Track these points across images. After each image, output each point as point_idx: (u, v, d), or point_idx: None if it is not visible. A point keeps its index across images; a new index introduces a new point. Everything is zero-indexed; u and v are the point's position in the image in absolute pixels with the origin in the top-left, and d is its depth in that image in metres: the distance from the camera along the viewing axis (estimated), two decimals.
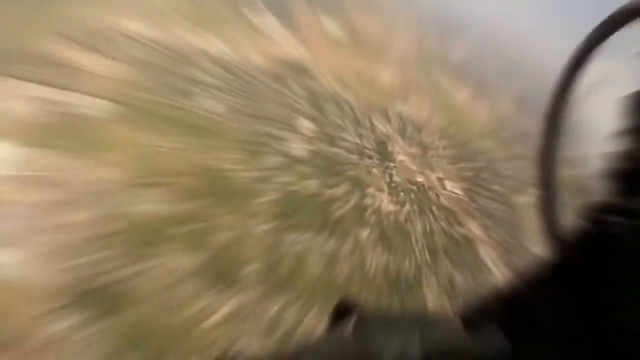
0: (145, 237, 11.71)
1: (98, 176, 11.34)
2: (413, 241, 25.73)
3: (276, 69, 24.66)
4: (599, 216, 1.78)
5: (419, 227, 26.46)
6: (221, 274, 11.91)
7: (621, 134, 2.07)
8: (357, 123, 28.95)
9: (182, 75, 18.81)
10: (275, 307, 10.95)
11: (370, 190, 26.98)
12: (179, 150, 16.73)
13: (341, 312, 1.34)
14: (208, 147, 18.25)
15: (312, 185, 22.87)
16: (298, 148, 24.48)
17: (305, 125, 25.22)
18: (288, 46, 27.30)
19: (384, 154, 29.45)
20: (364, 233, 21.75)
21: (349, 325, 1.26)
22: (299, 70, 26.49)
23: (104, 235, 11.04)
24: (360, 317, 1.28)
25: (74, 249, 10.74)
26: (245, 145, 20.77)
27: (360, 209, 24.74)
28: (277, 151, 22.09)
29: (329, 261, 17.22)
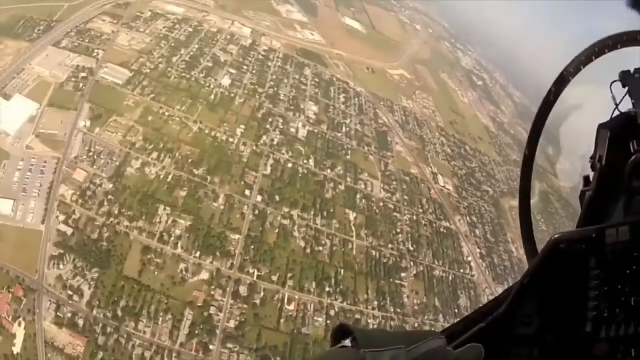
0: (140, 197, 32.93)
1: (105, 137, 32.48)
2: (398, 229, 53.46)
3: (291, 54, 59.96)
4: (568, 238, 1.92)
5: (406, 217, 54.85)
6: (207, 239, 33.56)
7: (593, 160, 2.31)
8: (361, 111, 62.94)
9: (204, 53, 53.26)
10: (252, 277, 31.78)
11: (364, 175, 56.99)
12: (185, 119, 43.59)
13: (340, 334, 1.51)
14: (213, 119, 46.43)
15: (308, 164, 51.55)
16: (300, 128, 55.33)
17: (311, 107, 58.42)
18: (306, 35, 61.70)
19: (383, 143, 61.02)
20: (352, 216, 50.05)
21: (347, 343, 1.45)
22: (314, 57, 62.48)
23: (102, 193, 28.86)
24: (358, 337, 1.44)
25: (76, 203, 29.11)
26: (249, 121, 50.79)
27: (352, 193, 52.92)
28: (279, 129, 52.44)
29: (314, 238, 40.31)
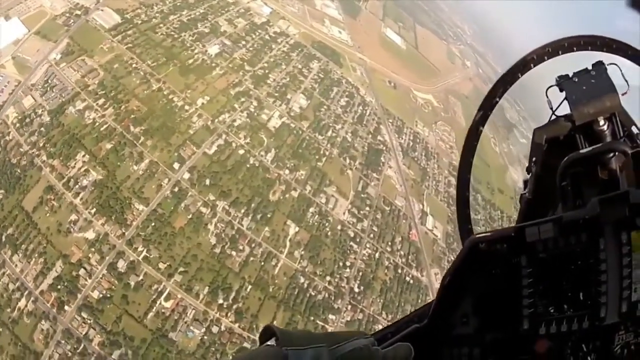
0: (67, 138, 44.14)
1: (67, 74, 48.19)
2: (348, 263, 49.13)
3: (305, 43, 69.33)
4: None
5: (366, 252, 51.07)
6: (108, 200, 41.67)
7: (530, 164, 2.44)
8: (361, 122, 65.62)
9: (206, 19, 62.13)
10: (137, 256, 39.77)
11: (331, 189, 53.57)
12: (150, 75, 52.47)
13: (267, 335, 1.49)
14: (179, 83, 53.87)
15: (263, 157, 51.67)
16: (273, 118, 56.78)
17: (298, 100, 61.35)
18: (333, 31, 75.87)
19: (372, 162, 59.01)
20: (292, 229, 48.39)
21: (271, 343, 1.44)
22: (329, 53, 72.07)
23: (37, 123, 43.15)
24: (281, 338, 1.44)
25: (14, 126, 43.25)
26: (218, 95, 54.37)
27: (304, 204, 50.02)
28: (248, 112, 54.86)
29: (231, 239, 43.91)
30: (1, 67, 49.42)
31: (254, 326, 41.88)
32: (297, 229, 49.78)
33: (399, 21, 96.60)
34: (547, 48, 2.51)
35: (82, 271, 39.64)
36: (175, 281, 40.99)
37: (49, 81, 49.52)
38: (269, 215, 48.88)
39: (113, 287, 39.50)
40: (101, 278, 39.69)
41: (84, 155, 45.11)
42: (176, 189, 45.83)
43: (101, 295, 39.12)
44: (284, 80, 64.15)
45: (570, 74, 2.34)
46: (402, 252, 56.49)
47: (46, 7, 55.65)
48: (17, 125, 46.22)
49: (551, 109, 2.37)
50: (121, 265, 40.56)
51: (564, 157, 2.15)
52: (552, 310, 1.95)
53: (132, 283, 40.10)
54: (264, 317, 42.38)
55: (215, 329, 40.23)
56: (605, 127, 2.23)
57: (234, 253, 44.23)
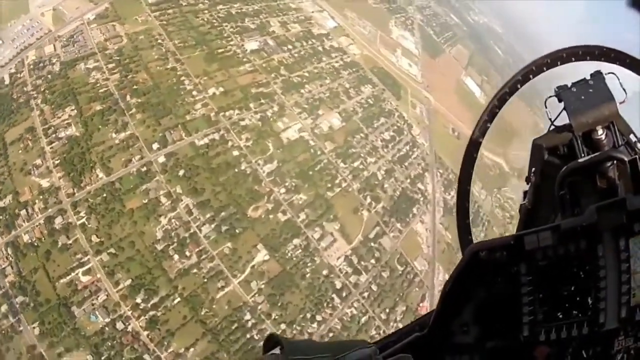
0: (64, 90, 44.72)
1: (93, 34, 49.21)
2: (319, 317, 40.50)
3: (364, 67, 64.55)
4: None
5: (350, 311, 41.87)
6: (72, 158, 40.50)
7: (529, 174, 2.44)
8: (401, 163, 57.87)
9: (257, 15, 59.66)
10: (70, 222, 38.14)
11: (332, 226, 46.07)
12: (171, 54, 49.25)
13: (271, 344, 1.53)
14: (198, 67, 49.26)
15: (259, 167, 45.20)
16: (291, 129, 50.95)
17: (331, 120, 55.31)
18: (402, 62, 71.31)
19: (399, 210, 51.28)
20: (260, 255, 40.07)
21: (275, 353, 1.48)
22: (389, 82, 65.98)
23: (47, 70, 46.27)
24: (285, 347, 1.48)
25: (27, 67, 46.67)
26: (236, 90, 49.68)
27: (289, 231, 42.77)
28: (262, 116, 48.96)
29: (180, 242, 38.48)
30: (41, 14, 51.42)
31: (165, 343, 35.30)
32: (267, 257, 40.51)
33: (484, 74, 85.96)
34: (546, 59, 2.54)
35: (23, 212, 39.27)
36: (101, 260, 37.69)
37: (74, 37, 50.11)
38: (237, 231, 41.36)
39: (42, 239, 38.11)
40: (36, 226, 38.81)
41: (72, 109, 44.50)
42: (144, 169, 41.98)
43: (29, 241, 38.20)
44: (322, 95, 56.96)
45: (569, 84, 2.35)
46: (399, 326, 43.96)
47: None
48: (31, 66, 47.84)
49: (550, 119, 2.39)
50: (58, 222, 38.96)
51: (563, 167, 2.16)
52: (551, 317, 1.97)
53: (60, 243, 38.08)
54: (180, 338, 35.44)
55: (120, 326, 35.88)
56: (603, 136, 2.23)
57: (176, 257, 38.89)
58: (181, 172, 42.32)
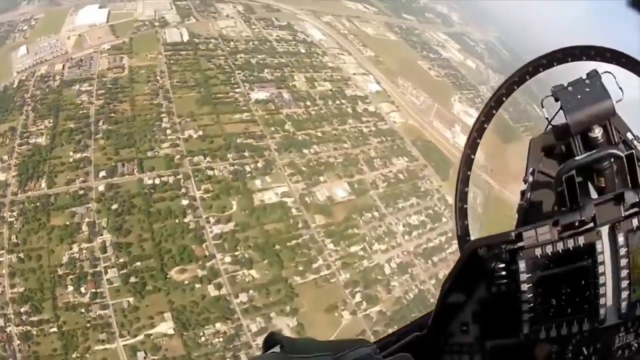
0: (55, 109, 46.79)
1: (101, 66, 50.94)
2: None
3: (404, 138, 53.85)
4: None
5: None
6: (27, 173, 42.45)
7: (526, 174, 2.45)
8: (429, 257, 44.72)
9: (280, 69, 54.52)
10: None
11: (285, 322, 33.51)
12: (165, 91, 48.42)
13: (270, 342, 1.53)
14: (186, 109, 46.59)
15: (213, 227, 38.13)
16: (273, 191, 41.75)
17: (333, 189, 44.25)
18: (458, 141, 53.87)
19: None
20: (164, 326, 32.99)
21: (275, 351, 1.48)
22: (436, 161, 52.78)
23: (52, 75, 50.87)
24: (286, 345, 1.48)
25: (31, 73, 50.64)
26: (220, 137, 44.50)
27: (218, 312, 34.23)
28: (239, 169, 42.66)
29: (80, 275, 35.78)
30: (67, 37, 54.82)
31: None
32: (171, 331, 31.56)
33: None
34: (542, 60, 2.56)
35: None
36: (11, 259, 37.36)
37: (83, 61, 52.00)
38: (147, 288, 35.37)
39: None
40: None
41: (50, 122, 45.95)
42: (81, 192, 40.87)
43: None
44: (332, 160, 46.97)
45: (565, 84, 2.35)
46: None
47: (136, 10, 58.52)
48: (38, 78, 50.53)
49: (547, 118, 2.40)
50: None
51: (561, 166, 2.17)
52: (552, 314, 1.98)
53: None
54: None
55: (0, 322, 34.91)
56: (600, 135, 2.23)
57: (70, 288, 36.04)
58: (114, 206, 39.40)
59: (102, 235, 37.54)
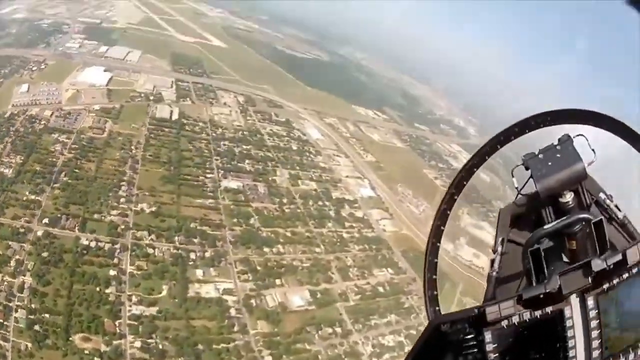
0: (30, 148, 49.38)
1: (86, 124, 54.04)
2: None
3: (392, 248, 48.74)
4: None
5: None
6: None
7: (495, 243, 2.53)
8: None
9: (264, 161, 53.12)
10: None
11: None
12: (135, 161, 49.21)
13: None
14: (147, 184, 46.65)
15: (126, 292, 36.60)
16: (207, 278, 37.83)
17: (291, 296, 37.96)
18: (463, 254, 50.30)
19: None
20: None
21: None
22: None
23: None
24: None
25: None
26: (174, 217, 42.82)
27: None
28: (178, 251, 39.33)
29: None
30: (65, 90, 57.18)
31: None
32: None
33: None
34: (514, 128, 2.57)
35: None
36: None
37: (71, 115, 53.94)
38: (48, 342, 34.13)
39: None
40: None
41: (21, 159, 47.84)
42: (22, 230, 41.26)
43: None
44: (298, 264, 42.41)
45: (536, 152, 2.39)
46: None
47: (137, 82, 60.27)
48: (27, 117, 52.90)
49: (516, 188, 2.42)
50: None
51: (525, 237, 2.21)
52: None
53: None
54: None
55: None
56: (570, 200, 2.26)
57: None
58: (45, 254, 39.27)
59: (24, 275, 37.60)
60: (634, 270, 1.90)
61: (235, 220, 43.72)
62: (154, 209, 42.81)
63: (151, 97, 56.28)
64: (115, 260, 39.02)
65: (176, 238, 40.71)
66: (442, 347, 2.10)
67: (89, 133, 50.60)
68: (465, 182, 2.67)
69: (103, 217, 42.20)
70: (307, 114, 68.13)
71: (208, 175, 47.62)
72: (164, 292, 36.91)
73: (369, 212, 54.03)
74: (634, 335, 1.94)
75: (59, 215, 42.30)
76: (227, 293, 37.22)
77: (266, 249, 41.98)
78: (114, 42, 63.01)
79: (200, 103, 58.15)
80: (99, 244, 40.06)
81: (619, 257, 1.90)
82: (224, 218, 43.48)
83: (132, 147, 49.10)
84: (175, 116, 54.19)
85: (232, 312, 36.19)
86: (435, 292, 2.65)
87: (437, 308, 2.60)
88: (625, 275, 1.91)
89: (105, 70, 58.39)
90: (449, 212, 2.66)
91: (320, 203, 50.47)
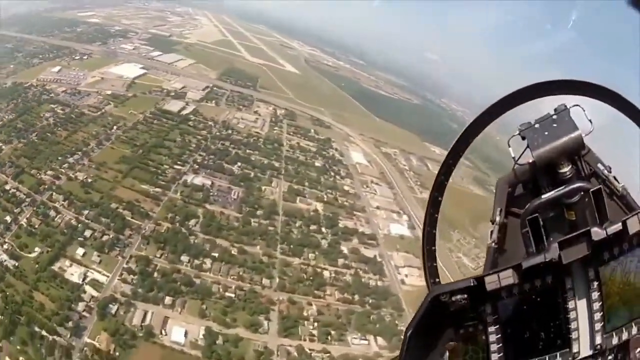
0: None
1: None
2: None
3: None
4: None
5: None
6: None
7: (494, 214, 2.45)
8: None
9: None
10: None
11: None
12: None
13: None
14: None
15: None
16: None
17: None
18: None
19: None
20: None
21: None
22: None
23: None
24: None
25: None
26: None
27: None
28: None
29: None
30: (93, 76, 57.55)
31: None
32: None
33: None
34: (510, 97, 2.44)
35: None
36: None
37: (81, 93, 54.35)
38: None
39: None
40: None
41: (11, 116, 49.61)
42: None
43: None
44: None
45: (532, 122, 2.32)
46: None
47: (170, 81, 58.45)
48: (40, 88, 54.70)
49: (513, 158, 2.35)
50: None
51: (523, 206, 2.18)
52: (522, 353, 1.96)
53: None
54: None
55: None
56: (568, 170, 2.17)
57: None
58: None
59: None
60: (635, 241, 1.85)
61: (170, 215, 35.35)
62: (89, 180, 39.06)
63: (172, 94, 53.49)
64: (17, 210, 37.78)
65: (86, 211, 35.56)
66: (442, 317, 2.06)
67: (85, 110, 49.80)
68: (461, 153, 2.52)
69: (37, 174, 41.27)
70: (360, 140, 56.74)
71: (176, 167, 41.01)
72: (34, 254, 33.02)
73: (390, 254, 38.30)
74: (637, 309, 1.87)
75: (7, 162, 42.96)
76: (93, 285, 28.86)
77: (184, 258, 32.02)
78: (172, 52, 62.88)
79: (225, 107, 52.46)
80: (16, 192, 39.30)
81: (619, 226, 1.83)
82: (158, 210, 35.72)
83: (115, 128, 46.31)
84: (188, 111, 50.32)
85: (80, 306, 27.71)
86: (434, 264, 2.57)
87: (436, 279, 2.52)
88: (627, 246, 1.86)
89: (141, 68, 57.91)
90: (446, 183, 2.54)
91: (312, 227, 37.97)
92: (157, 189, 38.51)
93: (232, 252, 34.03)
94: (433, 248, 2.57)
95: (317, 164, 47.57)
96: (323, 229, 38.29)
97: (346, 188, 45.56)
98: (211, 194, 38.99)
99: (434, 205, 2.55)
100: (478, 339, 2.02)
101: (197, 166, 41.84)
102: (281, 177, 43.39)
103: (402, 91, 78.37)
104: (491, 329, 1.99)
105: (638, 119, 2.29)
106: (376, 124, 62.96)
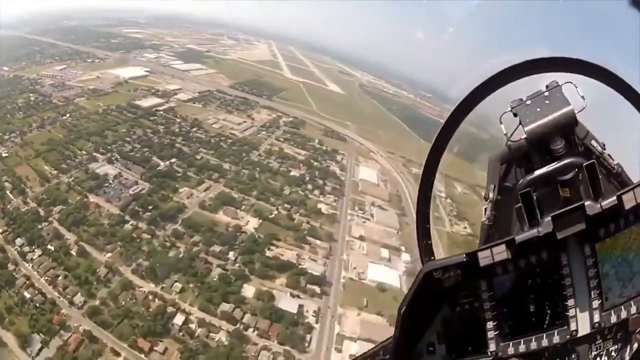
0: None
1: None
2: None
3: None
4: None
5: None
6: None
7: (487, 191, 2.54)
8: None
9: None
10: None
11: None
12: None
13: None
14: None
15: None
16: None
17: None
18: None
19: None
20: None
21: None
22: None
23: None
24: None
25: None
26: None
27: None
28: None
29: None
30: (90, 75, 57.88)
31: None
32: None
33: None
34: (501, 74, 2.39)
35: None
36: None
37: (63, 86, 55.07)
38: None
39: None
40: None
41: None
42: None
43: None
44: None
45: (524, 98, 2.30)
46: None
47: (166, 82, 56.96)
48: (32, 80, 55.45)
49: (505, 135, 2.32)
50: None
51: (516, 183, 2.20)
52: (518, 330, 1.99)
53: None
54: None
55: None
56: (562, 146, 2.16)
57: None
58: None
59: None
60: (631, 217, 1.80)
61: (42, 197, 32.52)
62: (4, 154, 38.61)
63: (158, 93, 48.26)
64: None
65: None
66: (436, 294, 2.04)
67: (55, 100, 49.06)
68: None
69: None
70: (384, 157, 44.82)
71: (96, 154, 37.95)
72: None
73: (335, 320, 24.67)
74: (636, 287, 1.85)
75: None
76: None
77: (18, 241, 28.99)
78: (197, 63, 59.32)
79: (213, 109, 45.76)
80: None
81: (614, 200, 1.80)
82: (38, 191, 33.46)
83: (67, 115, 44.77)
84: (158, 108, 47.01)
85: None
86: (429, 242, 2.52)
87: (431, 257, 2.45)
88: (623, 223, 1.83)
89: (145, 71, 54.41)
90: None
91: (196, 249, 31.41)
92: (54, 171, 35.88)
93: (72, 252, 26.93)
94: (427, 226, 2.48)
95: (292, 173, 37.29)
96: (231, 255, 28.80)
97: (321, 206, 33.58)
98: (105, 185, 32.44)
99: (426, 183, 2.45)
100: (475, 315, 1.99)
101: (118, 156, 36.25)
102: (220, 182, 34.47)
103: (470, 125, 65.34)
104: (486, 305, 1.97)
105: (630, 96, 2.18)
106: (418, 144, 51.51)
